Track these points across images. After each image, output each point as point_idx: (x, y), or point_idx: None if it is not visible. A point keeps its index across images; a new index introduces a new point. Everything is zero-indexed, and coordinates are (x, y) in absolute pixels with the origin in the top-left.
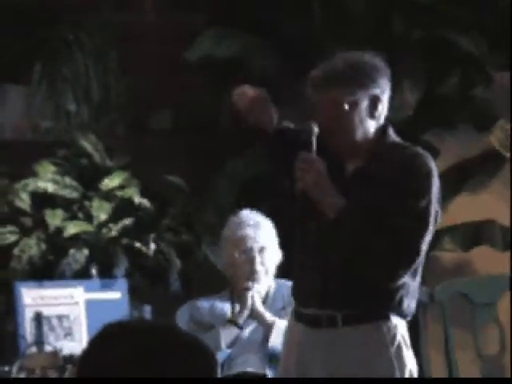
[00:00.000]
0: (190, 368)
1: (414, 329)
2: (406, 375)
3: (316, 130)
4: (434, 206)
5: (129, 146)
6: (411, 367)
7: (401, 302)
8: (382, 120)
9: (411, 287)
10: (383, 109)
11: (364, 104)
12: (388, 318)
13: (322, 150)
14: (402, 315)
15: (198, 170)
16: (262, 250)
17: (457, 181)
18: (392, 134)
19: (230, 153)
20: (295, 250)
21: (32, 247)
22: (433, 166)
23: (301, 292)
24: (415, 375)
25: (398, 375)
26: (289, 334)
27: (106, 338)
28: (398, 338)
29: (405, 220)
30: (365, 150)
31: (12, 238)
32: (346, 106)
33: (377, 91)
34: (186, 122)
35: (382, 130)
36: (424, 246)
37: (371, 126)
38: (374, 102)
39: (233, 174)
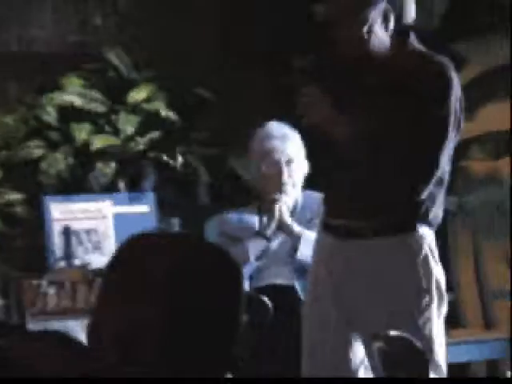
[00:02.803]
0: (215, 278)
1: (442, 239)
2: (433, 285)
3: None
4: (455, 116)
5: (156, 59)
6: (438, 277)
7: (427, 211)
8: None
9: (437, 197)
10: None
11: (378, 22)
12: (415, 229)
13: (342, 67)
14: (429, 225)
15: (226, 81)
16: (289, 162)
17: (485, 89)
18: (413, 42)
19: (259, 65)
20: (324, 162)
21: (59, 161)
22: (453, 75)
23: (330, 203)
24: (442, 285)
25: (424, 285)
26: (317, 245)
27: (130, 248)
28: (425, 248)
29: (423, 130)
30: (385, 61)
31: (38, 152)
32: (365, 36)
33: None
34: (214, 35)
35: (402, 39)
36: (444, 157)
37: (387, 36)
38: (387, 15)
39: (260, 84)
